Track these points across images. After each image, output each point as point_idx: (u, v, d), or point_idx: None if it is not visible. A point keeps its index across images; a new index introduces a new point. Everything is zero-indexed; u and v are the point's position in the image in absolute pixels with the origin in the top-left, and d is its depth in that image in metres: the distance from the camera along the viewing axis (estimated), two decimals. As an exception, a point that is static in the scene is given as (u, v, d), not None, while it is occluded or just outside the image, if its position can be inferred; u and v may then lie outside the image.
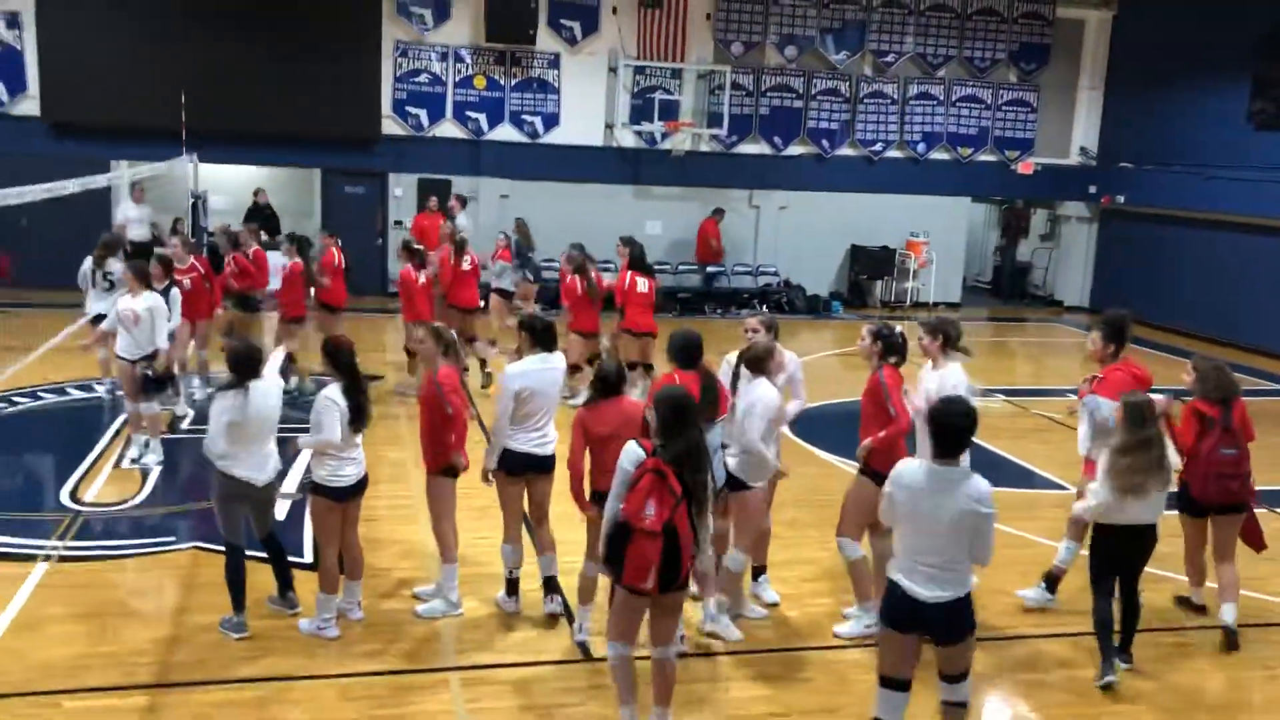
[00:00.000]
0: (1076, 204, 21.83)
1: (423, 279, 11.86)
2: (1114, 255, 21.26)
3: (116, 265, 10.77)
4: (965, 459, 5.10)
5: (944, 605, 4.77)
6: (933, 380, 6.83)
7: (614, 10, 18.95)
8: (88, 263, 10.97)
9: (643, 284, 11.70)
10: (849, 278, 20.99)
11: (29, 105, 17.04)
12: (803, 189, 20.09)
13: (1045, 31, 20.91)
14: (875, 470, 6.26)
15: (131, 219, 16.00)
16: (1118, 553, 6.23)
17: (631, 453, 5.11)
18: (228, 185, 18.40)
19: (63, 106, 16.93)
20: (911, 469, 4.95)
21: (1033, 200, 22.86)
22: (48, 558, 7.41)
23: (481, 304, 13.17)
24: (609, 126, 19.36)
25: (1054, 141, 21.43)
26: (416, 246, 12.49)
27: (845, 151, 20.50)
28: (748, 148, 20.01)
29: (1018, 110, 21.12)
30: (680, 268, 19.82)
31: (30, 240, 15.35)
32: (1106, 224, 21.51)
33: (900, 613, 4.87)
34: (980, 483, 4.84)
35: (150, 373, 9.15)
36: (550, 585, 6.86)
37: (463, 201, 16.86)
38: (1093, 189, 21.39)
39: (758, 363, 6.53)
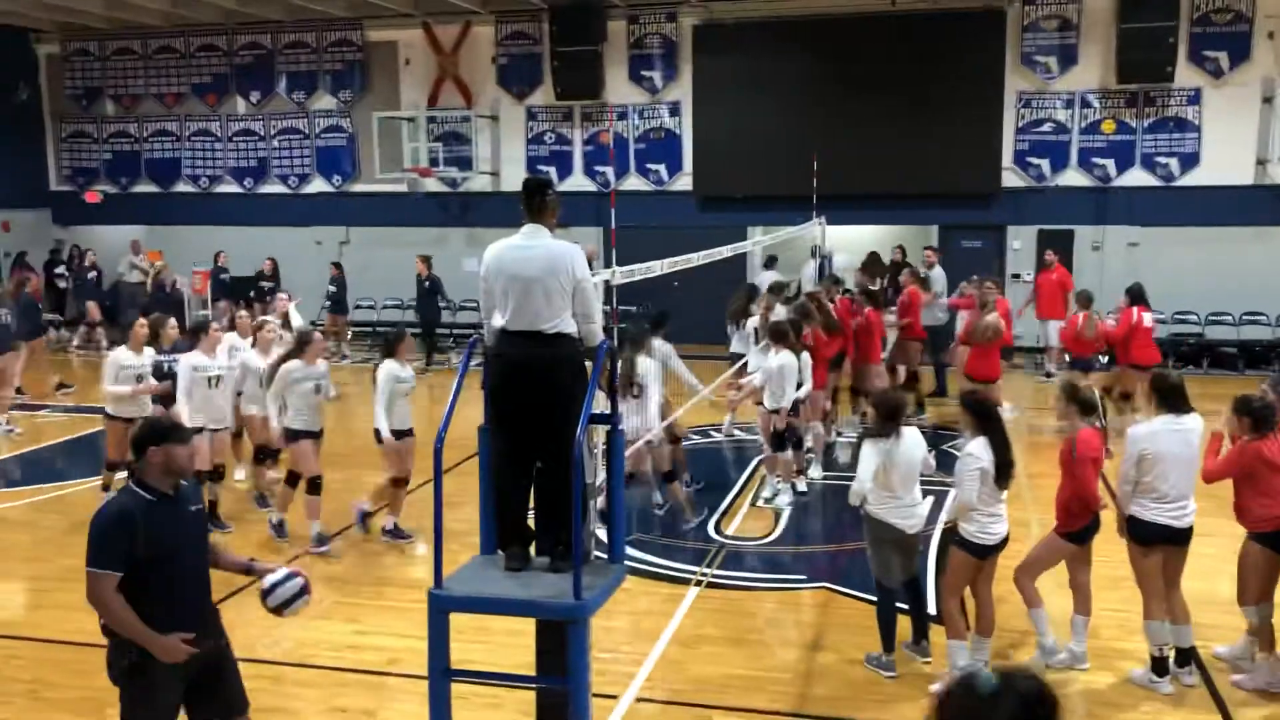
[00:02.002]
0: None
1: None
2: None
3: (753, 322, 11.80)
4: None
5: None
6: None
7: (1270, 35, 16.94)
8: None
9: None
10: None
11: (684, 182, 19.41)
12: None
13: None
14: None
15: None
16: None
17: None
18: (848, 244, 19.30)
19: (710, 182, 19.06)
20: None
21: None
22: (699, 583, 8.25)
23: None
24: (1261, 163, 17.26)
25: None
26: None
27: None
28: None
29: None
30: (1353, 320, 17.00)
31: (681, 300, 17.34)
32: None
33: None
34: None
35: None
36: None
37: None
38: None
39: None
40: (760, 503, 10.19)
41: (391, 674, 6.69)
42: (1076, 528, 6.42)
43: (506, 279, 4.72)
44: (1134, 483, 6.24)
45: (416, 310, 18.52)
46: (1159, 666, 6.35)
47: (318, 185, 21.30)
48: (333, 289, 19.00)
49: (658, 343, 9.84)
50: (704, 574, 8.40)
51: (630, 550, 8.10)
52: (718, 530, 9.52)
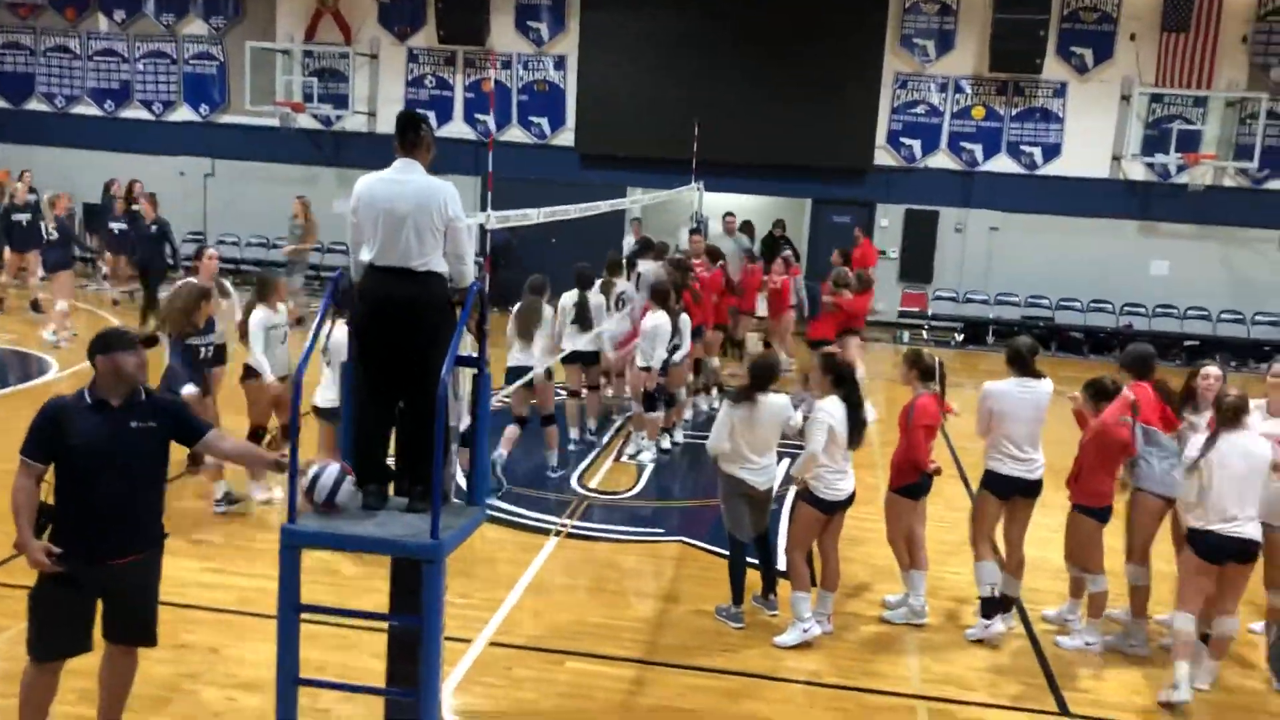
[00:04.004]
0: None
1: None
2: None
3: (624, 285, 11.79)
4: None
5: None
6: None
7: (1132, 36, 17.74)
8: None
9: None
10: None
11: (566, 137, 19.29)
12: (1349, 232, 17.51)
13: None
14: None
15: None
16: None
17: None
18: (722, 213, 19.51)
19: (592, 139, 18.99)
20: None
21: None
22: (558, 534, 8.31)
23: None
24: (1116, 158, 18.13)
25: None
26: None
27: None
28: (1279, 184, 17.83)
29: None
30: (1188, 312, 18.04)
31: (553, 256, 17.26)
32: None
33: None
34: None
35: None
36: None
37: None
38: None
39: (1234, 414, 5.94)
40: (624, 459, 10.31)
41: (240, 612, 6.57)
42: (906, 484, 6.78)
43: (376, 213, 4.62)
44: (987, 435, 6.65)
45: (137, 253, 15.69)
46: (988, 607, 6.71)
47: (184, 113, 20.42)
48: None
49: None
50: (563, 525, 8.47)
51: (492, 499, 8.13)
52: (580, 484, 9.60)
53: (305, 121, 19.73)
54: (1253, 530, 5.93)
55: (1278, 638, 6.49)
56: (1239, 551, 5.94)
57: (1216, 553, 5.93)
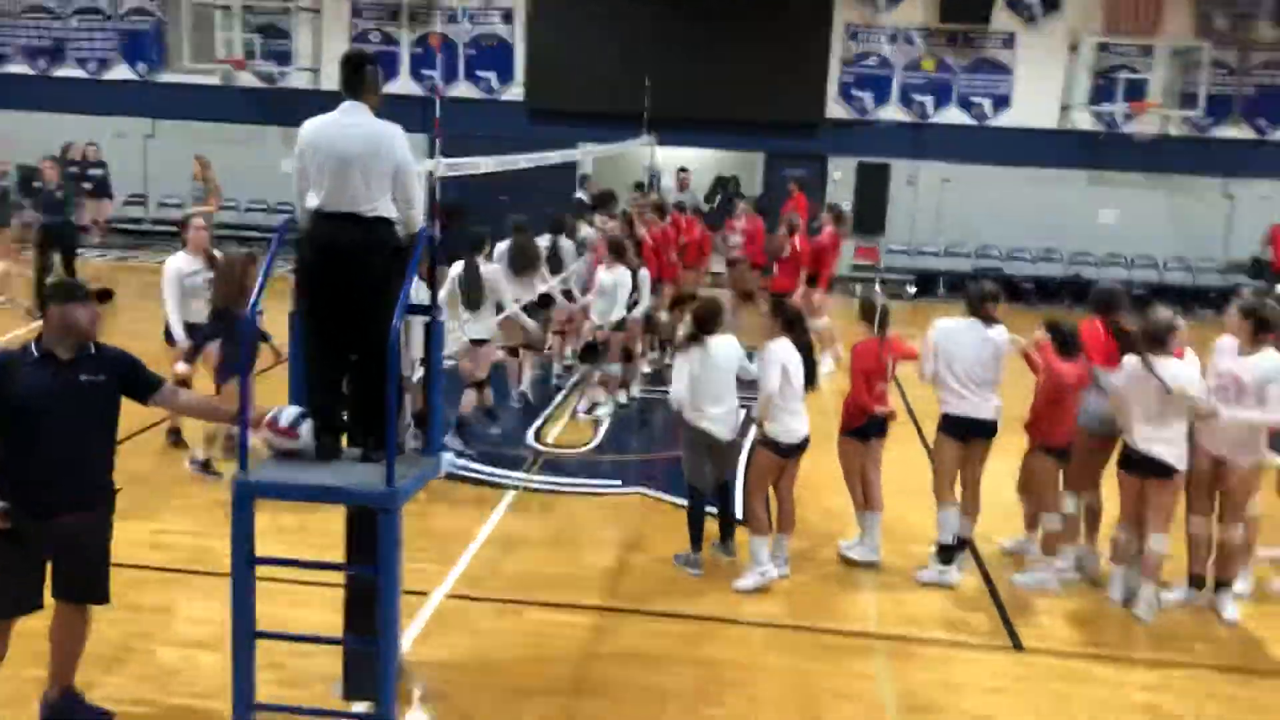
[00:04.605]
0: None
1: None
2: None
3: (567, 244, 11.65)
4: None
5: None
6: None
7: (1080, -15, 17.85)
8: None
9: None
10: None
11: (515, 92, 19.04)
12: (1292, 177, 17.78)
13: None
14: None
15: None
16: None
17: None
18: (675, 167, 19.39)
19: (542, 94, 18.76)
20: None
21: None
22: (516, 488, 8.28)
23: None
24: (1065, 108, 18.25)
25: None
26: None
27: (1348, 136, 17.93)
28: (1225, 131, 18.08)
29: None
30: (1135, 261, 18.30)
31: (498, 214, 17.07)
32: None
33: None
34: None
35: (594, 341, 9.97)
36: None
37: None
38: None
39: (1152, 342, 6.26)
40: (580, 414, 10.27)
41: (192, 571, 6.48)
42: (853, 426, 6.88)
43: (323, 157, 4.51)
44: (934, 374, 6.72)
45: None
46: (945, 553, 6.80)
47: (120, 72, 19.91)
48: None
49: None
50: (521, 480, 8.44)
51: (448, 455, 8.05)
52: (538, 439, 9.56)
53: (247, 79, 19.30)
54: (1160, 450, 6.20)
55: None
56: (1148, 467, 6.24)
57: (1133, 467, 6.33)
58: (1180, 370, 6.22)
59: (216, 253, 8.51)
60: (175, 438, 8.64)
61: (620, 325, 10.13)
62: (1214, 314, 15.68)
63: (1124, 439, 6.43)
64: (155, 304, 8.61)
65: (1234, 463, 6.36)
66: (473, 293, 8.72)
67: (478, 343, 8.82)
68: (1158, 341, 6.22)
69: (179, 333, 8.15)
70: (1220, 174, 18.11)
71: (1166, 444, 6.21)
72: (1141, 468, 6.31)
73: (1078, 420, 6.70)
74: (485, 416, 9.18)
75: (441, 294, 8.22)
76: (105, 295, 4.10)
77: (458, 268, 8.89)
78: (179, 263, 8.30)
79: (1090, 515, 7.00)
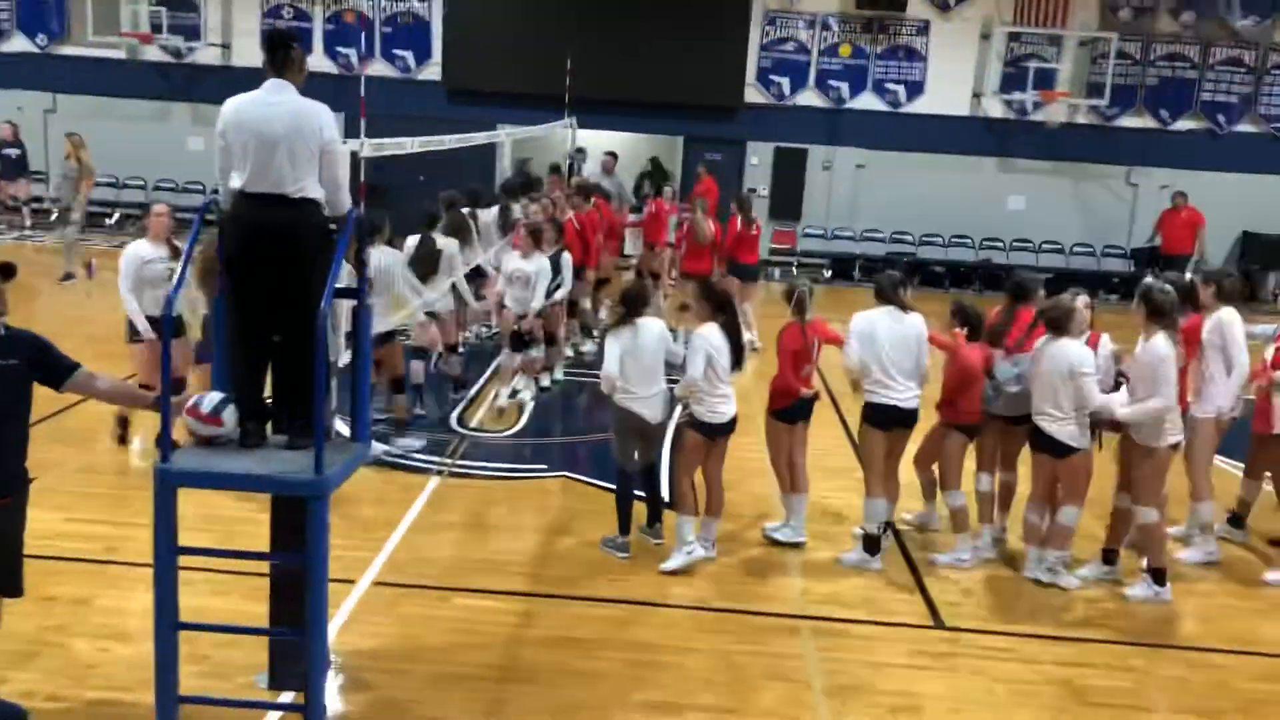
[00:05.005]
0: None
1: None
2: None
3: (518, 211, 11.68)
4: None
5: None
6: None
7: (992, -25, 18.19)
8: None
9: None
10: (1238, 267, 19.01)
11: (433, 71, 18.77)
12: (1190, 168, 18.34)
13: None
14: None
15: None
16: None
17: None
18: (594, 151, 19.33)
19: (460, 74, 18.51)
20: None
21: None
22: (440, 473, 8.20)
23: None
24: (976, 96, 18.63)
25: None
26: None
27: (1244, 128, 18.62)
28: (1129, 121, 18.65)
29: None
30: (1043, 246, 18.79)
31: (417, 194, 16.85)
32: None
33: None
34: None
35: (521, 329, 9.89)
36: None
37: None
38: None
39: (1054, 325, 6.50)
40: (503, 400, 10.20)
41: (108, 562, 6.30)
42: (779, 407, 6.97)
43: (247, 137, 4.39)
44: (857, 367, 6.79)
45: None
46: (872, 544, 6.91)
47: (19, 44, 19.12)
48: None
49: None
50: (444, 464, 8.36)
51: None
52: (460, 423, 9.48)
53: (154, 54, 18.71)
54: (1054, 428, 6.45)
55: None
56: (1050, 446, 6.52)
57: (1040, 447, 6.59)
58: (1075, 353, 6.42)
59: (178, 242, 7.88)
60: (123, 429, 8.18)
61: (541, 312, 10.06)
62: (1118, 299, 16.23)
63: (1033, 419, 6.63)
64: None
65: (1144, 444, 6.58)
66: (428, 266, 8.74)
67: (433, 315, 8.87)
68: (1056, 325, 6.46)
69: (143, 325, 7.61)
70: (1124, 162, 18.67)
71: (1062, 423, 6.43)
72: (1046, 448, 6.55)
73: (990, 404, 6.88)
74: (452, 385, 9.81)
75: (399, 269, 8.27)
76: (8, 270, 3.87)
77: (413, 241, 8.89)
78: (138, 249, 7.77)
79: (1005, 492, 7.21)
